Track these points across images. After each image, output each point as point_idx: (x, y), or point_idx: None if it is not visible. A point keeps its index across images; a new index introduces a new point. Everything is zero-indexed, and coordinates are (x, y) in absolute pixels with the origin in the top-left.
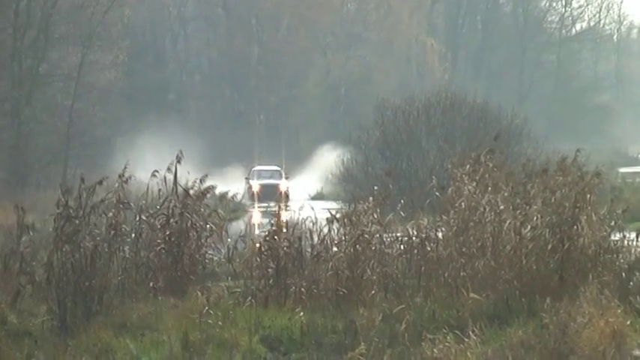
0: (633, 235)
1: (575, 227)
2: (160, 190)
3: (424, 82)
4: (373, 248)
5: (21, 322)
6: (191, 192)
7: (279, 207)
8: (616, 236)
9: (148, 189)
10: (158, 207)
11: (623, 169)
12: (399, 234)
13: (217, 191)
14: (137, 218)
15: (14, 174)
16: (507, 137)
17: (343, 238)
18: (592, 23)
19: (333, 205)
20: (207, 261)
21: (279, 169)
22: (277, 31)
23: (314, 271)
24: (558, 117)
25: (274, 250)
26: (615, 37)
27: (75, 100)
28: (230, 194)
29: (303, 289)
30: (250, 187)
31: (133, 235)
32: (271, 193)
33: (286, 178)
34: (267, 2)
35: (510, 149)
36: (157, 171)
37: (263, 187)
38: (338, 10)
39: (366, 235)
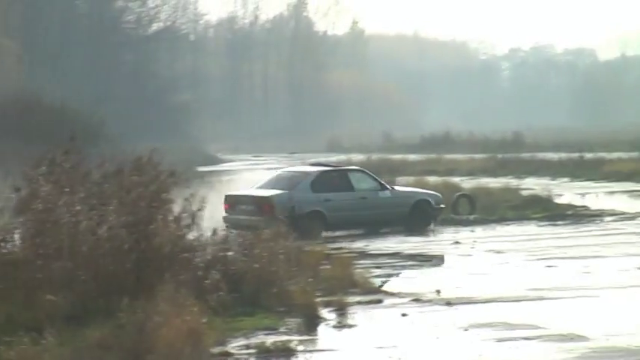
0: (208, 233)
1: (152, 226)
2: None
3: None
4: None
5: None
6: None
7: None
8: (194, 235)
9: None
10: None
11: (202, 168)
12: None
13: None
14: None
15: None
16: (84, 138)
17: None
18: (168, 23)
19: None
20: None
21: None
22: None
23: None
24: (139, 117)
25: None
26: (192, 36)
27: None
28: None
29: None
30: None
31: None
32: None
33: None
34: None
35: (87, 150)
36: None
37: None
38: None
39: None
